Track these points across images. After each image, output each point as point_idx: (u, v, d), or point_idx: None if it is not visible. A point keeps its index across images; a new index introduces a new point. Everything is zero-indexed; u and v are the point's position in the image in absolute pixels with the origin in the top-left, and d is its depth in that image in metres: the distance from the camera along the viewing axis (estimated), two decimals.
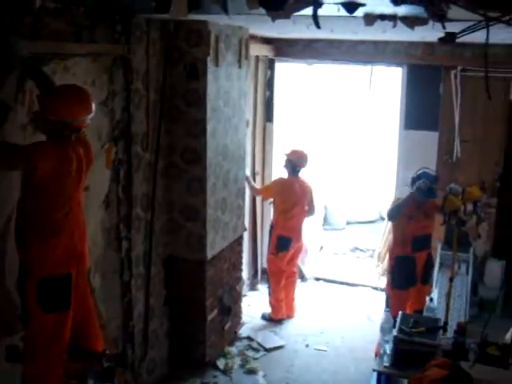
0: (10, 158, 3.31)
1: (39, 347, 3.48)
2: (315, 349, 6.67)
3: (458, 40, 3.69)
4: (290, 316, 7.40)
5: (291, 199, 7.10)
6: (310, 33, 6.20)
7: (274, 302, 7.34)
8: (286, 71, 8.44)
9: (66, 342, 3.56)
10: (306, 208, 7.28)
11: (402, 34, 5.77)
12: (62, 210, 3.43)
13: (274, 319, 7.29)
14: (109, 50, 4.55)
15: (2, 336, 3.67)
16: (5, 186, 3.52)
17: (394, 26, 3.96)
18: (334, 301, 7.92)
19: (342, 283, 8.45)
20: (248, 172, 7.18)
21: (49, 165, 3.28)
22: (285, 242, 7.14)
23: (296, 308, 7.51)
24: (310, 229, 7.58)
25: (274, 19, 3.64)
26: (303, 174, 7.27)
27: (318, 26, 3.56)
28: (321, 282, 8.51)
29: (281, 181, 7.30)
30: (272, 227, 7.32)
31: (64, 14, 3.97)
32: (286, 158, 7.15)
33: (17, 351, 3.58)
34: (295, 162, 7.09)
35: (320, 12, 3.51)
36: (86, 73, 4.30)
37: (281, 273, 7.26)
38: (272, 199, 7.31)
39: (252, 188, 7.24)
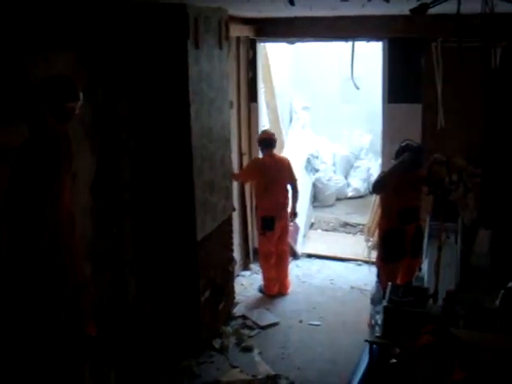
0: None
1: None
2: (309, 324, 6.76)
3: (438, 11, 3.72)
4: (283, 293, 7.48)
5: (267, 178, 7.14)
6: (289, 11, 6.20)
7: (266, 281, 7.45)
8: (270, 51, 8.46)
9: None
10: (288, 184, 7.34)
11: (381, 8, 5.79)
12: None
13: (266, 294, 7.43)
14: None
15: None
16: None
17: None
18: (326, 276, 8.01)
19: (333, 259, 8.52)
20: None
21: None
22: (268, 222, 7.20)
23: (289, 285, 7.59)
24: (299, 206, 7.57)
25: None
26: (279, 152, 7.47)
27: (291, 3, 3.59)
28: (313, 258, 8.58)
29: (254, 161, 7.52)
30: (256, 209, 7.44)
31: None
32: (260, 139, 7.34)
33: None
34: (265, 140, 7.26)
35: None
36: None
37: (270, 253, 7.35)
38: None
39: (232, 176, 7.16)
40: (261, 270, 7.60)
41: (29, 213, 3.42)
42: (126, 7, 5.02)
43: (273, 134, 7.41)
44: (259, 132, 7.94)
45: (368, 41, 7.89)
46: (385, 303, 4.92)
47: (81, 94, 3.54)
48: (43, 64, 3.98)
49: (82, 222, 4.54)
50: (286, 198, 7.37)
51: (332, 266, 8.33)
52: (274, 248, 7.35)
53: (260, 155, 7.60)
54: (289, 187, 7.37)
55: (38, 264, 3.45)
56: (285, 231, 7.41)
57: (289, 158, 7.55)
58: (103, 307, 4.87)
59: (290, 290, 7.57)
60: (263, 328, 6.66)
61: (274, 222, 7.19)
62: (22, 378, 3.52)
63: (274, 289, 7.45)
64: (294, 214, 7.48)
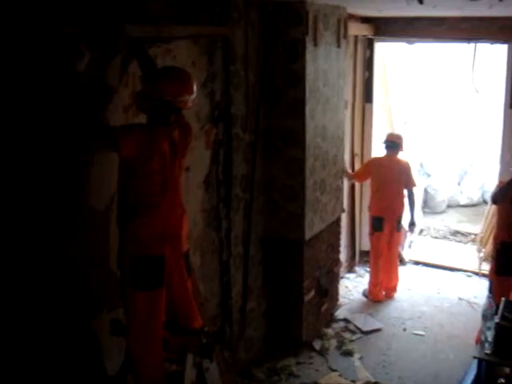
0: (96, 139, 3.41)
1: (134, 323, 3.58)
2: (413, 333, 6.56)
3: None
4: (389, 296, 7.37)
5: (382, 177, 7.11)
6: (410, 10, 6.04)
7: (371, 286, 7.35)
8: (386, 50, 8.28)
9: (159, 319, 3.62)
10: (404, 188, 7.21)
11: (510, 8, 5.52)
12: (154, 191, 3.47)
13: (370, 299, 7.33)
14: (211, 32, 4.60)
15: (105, 310, 3.84)
16: (109, 168, 3.64)
17: None
18: (433, 285, 7.75)
19: (442, 268, 8.24)
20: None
21: (134, 147, 3.32)
22: (377, 222, 7.16)
23: (395, 290, 7.44)
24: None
25: None
26: (401, 155, 7.26)
27: (420, 1, 3.46)
28: (420, 265, 8.34)
29: (372, 160, 7.48)
30: (369, 208, 7.40)
31: None
32: (383, 140, 7.25)
33: (120, 325, 3.71)
34: (387, 142, 7.18)
35: None
36: (186, 55, 4.37)
37: (377, 254, 7.29)
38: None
39: (348, 175, 7.22)
40: (368, 274, 7.52)
41: (137, 195, 3.48)
42: (247, 4, 5.03)
43: (398, 137, 7.26)
44: (372, 133, 7.82)
45: (492, 43, 7.55)
46: (497, 319, 4.67)
47: (195, 88, 3.53)
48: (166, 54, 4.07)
49: (193, 213, 4.62)
50: (399, 201, 7.24)
51: (440, 275, 8.06)
52: (383, 250, 7.25)
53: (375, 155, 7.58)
54: (405, 192, 7.26)
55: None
56: (394, 234, 7.26)
57: (410, 163, 7.39)
58: (207, 299, 4.92)
59: (395, 296, 7.40)
60: (365, 333, 6.52)
61: (382, 223, 7.11)
62: None
63: (379, 295, 7.33)
64: (412, 224, 7.40)
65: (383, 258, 7.29)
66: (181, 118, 3.65)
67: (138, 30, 3.61)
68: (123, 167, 3.45)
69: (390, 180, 7.10)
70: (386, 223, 7.13)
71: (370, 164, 7.43)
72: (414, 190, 7.35)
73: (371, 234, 7.28)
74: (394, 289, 7.45)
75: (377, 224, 7.15)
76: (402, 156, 7.28)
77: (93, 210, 3.69)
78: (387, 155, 7.19)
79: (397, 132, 7.47)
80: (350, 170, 7.45)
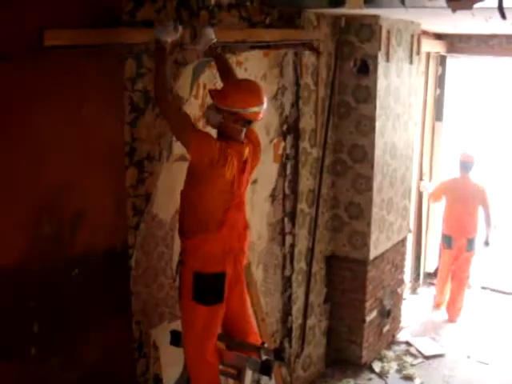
0: (178, 126, 3.28)
1: (191, 335, 3.55)
2: (477, 361, 6.33)
3: None
4: (452, 320, 7.24)
5: (453, 196, 7.16)
6: (487, 27, 5.87)
7: (436, 292, 7.62)
8: (458, 68, 8.09)
9: (215, 334, 3.60)
10: (480, 209, 7.18)
11: None
12: (221, 206, 3.42)
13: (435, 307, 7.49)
14: (296, 36, 4.64)
15: (166, 320, 3.86)
16: (177, 178, 3.63)
17: None
18: (500, 312, 7.46)
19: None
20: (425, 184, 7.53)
21: (205, 158, 3.25)
22: (445, 240, 7.30)
23: (459, 314, 7.29)
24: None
25: (454, 10, 3.45)
26: (477, 176, 7.28)
27: (504, 17, 3.32)
28: (487, 291, 8.06)
29: (447, 180, 7.46)
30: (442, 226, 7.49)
31: (238, 9, 4.04)
32: (458, 160, 7.25)
33: (180, 336, 3.69)
34: (461, 162, 7.16)
35: (506, 2, 3.28)
36: (257, 67, 4.35)
37: (443, 270, 7.41)
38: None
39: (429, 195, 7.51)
40: (432, 296, 7.64)
41: (203, 210, 3.44)
42: (320, 17, 4.99)
43: (470, 157, 7.18)
44: (442, 152, 7.73)
45: None
46: None
47: (264, 99, 3.47)
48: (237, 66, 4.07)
49: (258, 226, 4.58)
50: (471, 222, 7.19)
51: (509, 303, 7.75)
52: (449, 267, 7.35)
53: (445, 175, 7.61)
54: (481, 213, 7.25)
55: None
56: (464, 254, 7.23)
57: (486, 186, 7.32)
58: (268, 314, 4.86)
59: (460, 320, 7.20)
60: (427, 358, 6.34)
61: (450, 241, 7.20)
62: None
63: (440, 299, 7.49)
64: (486, 243, 7.32)
65: (451, 278, 7.38)
66: (252, 133, 3.61)
67: (226, 34, 3.67)
68: (191, 178, 3.43)
69: (461, 200, 7.10)
70: (455, 242, 7.15)
71: (444, 183, 7.42)
72: (492, 211, 7.26)
73: (441, 250, 7.43)
74: (458, 312, 7.28)
75: (445, 241, 7.28)
76: (478, 179, 7.28)
77: (158, 219, 3.69)
78: (462, 176, 7.17)
79: (470, 152, 7.34)
80: (415, 190, 7.35)
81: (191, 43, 3.56)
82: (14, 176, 2.79)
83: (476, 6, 3.31)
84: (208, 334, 3.54)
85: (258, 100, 3.42)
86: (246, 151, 3.49)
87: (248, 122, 3.43)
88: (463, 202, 7.07)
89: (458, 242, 7.14)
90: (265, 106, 3.45)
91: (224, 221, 3.44)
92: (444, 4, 3.34)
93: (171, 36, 3.22)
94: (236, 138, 3.42)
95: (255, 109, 3.40)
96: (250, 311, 3.82)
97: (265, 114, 3.63)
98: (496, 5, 3.27)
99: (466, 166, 7.09)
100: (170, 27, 3.21)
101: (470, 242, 7.18)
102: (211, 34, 3.53)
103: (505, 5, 3.28)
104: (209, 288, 3.47)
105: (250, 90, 3.46)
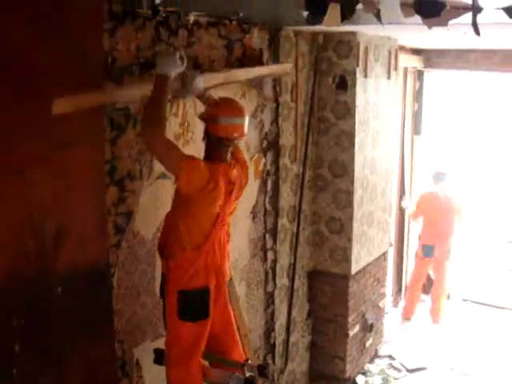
0: (167, 157, 3.23)
1: (175, 353, 3.53)
2: (461, 373, 6.35)
3: None
4: (434, 321, 7.51)
5: (432, 207, 7.29)
6: (463, 42, 5.95)
7: (406, 302, 7.72)
8: (435, 82, 8.18)
9: (201, 350, 3.58)
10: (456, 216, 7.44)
11: None
12: (206, 227, 3.44)
13: (404, 318, 7.62)
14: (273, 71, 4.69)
15: (148, 339, 3.84)
16: (160, 196, 3.63)
17: None
18: (481, 324, 7.51)
19: (494, 306, 7.97)
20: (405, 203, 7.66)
21: (196, 185, 3.25)
22: (426, 250, 7.41)
23: (442, 316, 7.56)
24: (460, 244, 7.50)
25: (430, 27, 3.50)
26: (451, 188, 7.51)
27: (477, 33, 3.38)
28: (468, 302, 8.10)
29: (422, 194, 7.56)
30: (419, 237, 7.57)
31: (217, 27, 4.07)
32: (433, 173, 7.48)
33: (162, 355, 3.68)
34: (435, 173, 7.42)
35: (479, 19, 3.33)
36: (236, 85, 4.37)
37: (418, 280, 7.60)
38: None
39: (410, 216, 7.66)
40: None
41: (187, 230, 3.43)
42: (298, 35, 5.04)
43: (443, 169, 7.49)
44: (421, 165, 7.86)
45: None
46: None
47: (246, 114, 3.49)
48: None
49: (240, 243, 4.59)
50: (451, 229, 7.45)
51: (491, 315, 7.76)
52: (423, 279, 7.63)
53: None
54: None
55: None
56: (443, 264, 7.54)
57: (460, 198, 7.60)
58: (250, 330, 4.85)
59: (442, 332, 7.25)
60: (411, 371, 6.36)
61: (433, 250, 7.37)
62: None
63: (411, 312, 7.63)
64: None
65: (433, 289, 7.62)
66: (238, 154, 3.65)
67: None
68: (179, 204, 3.42)
69: (440, 209, 7.28)
70: (437, 250, 7.36)
71: (421, 197, 7.49)
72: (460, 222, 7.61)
73: (420, 258, 7.48)
74: (440, 316, 7.55)
75: (427, 251, 7.39)
76: (450, 189, 7.48)
77: (140, 237, 3.69)
78: (436, 186, 7.37)
79: (442, 164, 7.80)
80: (395, 205, 7.44)
81: (180, 91, 3.45)
82: None
83: (451, 22, 3.36)
84: (194, 350, 3.53)
85: (238, 111, 3.46)
86: (234, 172, 3.52)
87: (230, 140, 3.45)
88: (442, 211, 7.26)
89: (439, 250, 7.35)
90: (246, 120, 3.48)
91: (207, 239, 3.45)
92: (420, 21, 3.39)
93: (176, 68, 3.21)
94: (222, 159, 3.45)
95: (236, 120, 3.43)
96: (234, 325, 3.81)
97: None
98: (470, 21, 3.34)
99: (439, 176, 7.34)
100: (174, 58, 3.19)
101: (450, 250, 7.51)
102: (200, 83, 3.48)
103: (479, 21, 3.34)
104: (194, 304, 3.46)
105: (230, 102, 3.56)
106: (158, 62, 3.21)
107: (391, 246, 6.87)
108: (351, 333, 5.91)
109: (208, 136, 3.45)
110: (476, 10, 3.25)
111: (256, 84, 4.59)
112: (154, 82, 3.19)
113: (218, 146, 3.43)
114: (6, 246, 2.84)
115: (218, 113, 3.39)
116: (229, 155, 3.49)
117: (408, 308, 7.64)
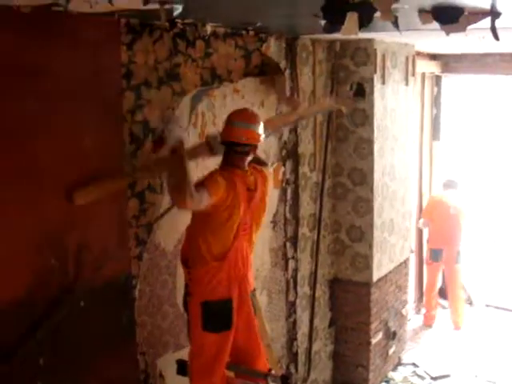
0: (199, 201, 3.22)
1: (199, 365, 3.54)
2: (485, 380, 6.29)
3: None
4: (455, 328, 7.50)
5: (441, 211, 7.31)
6: (480, 46, 5.92)
7: (426, 309, 7.69)
8: (454, 87, 8.14)
9: (224, 360, 3.58)
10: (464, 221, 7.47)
11: None
12: (229, 238, 3.45)
13: (425, 325, 7.60)
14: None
15: (170, 351, 3.84)
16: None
17: None
18: (505, 330, 7.42)
19: None
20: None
21: (220, 195, 3.29)
22: (434, 254, 7.44)
23: (462, 322, 7.52)
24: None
25: (448, 33, 3.48)
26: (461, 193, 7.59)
27: (497, 38, 3.35)
28: (491, 308, 8.03)
29: (430, 198, 7.68)
30: (427, 242, 7.63)
31: (233, 38, 4.09)
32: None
33: (185, 366, 3.67)
34: (445, 182, 7.57)
35: (498, 23, 3.31)
36: (254, 95, 4.38)
37: (432, 284, 7.59)
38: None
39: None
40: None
41: (209, 242, 3.44)
42: (315, 43, 5.04)
43: (453, 177, 7.58)
44: (440, 171, 7.84)
45: None
46: None
47: (259, 121, 3.50)
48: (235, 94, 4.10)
49: (261, 252, 4.58)
50: (459, 233, 7.44)
51: None
52: (436, 283, 7.60)
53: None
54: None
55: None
56: (453, 268, 7.52)
57: (469, 203, 7.66)
58: (273, 340, 4.84)
59: (466, 339, 7.18)
60: (435, 379, 6.31)
61: (440, 254, 7.38)
62: None
63: (431, 320, 7.61)
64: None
65: (448, 295, 7.64)
66: (257, 164, 3.67)
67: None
68: (199, 218, 3.42)
69: (448, 213, 7.30)
70: (445, 254, 7.37)
71: (429, 202, 7.61)
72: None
73: (429, 264, 7.54)
74: (460, 322, 7.51)
75: (435, 255, 7.41)
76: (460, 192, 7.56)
77: (161, 248, 3.69)
78: (445, 191, 7.48)
79: (452, 174, 7.87)
80: (415, 210, 7.43)
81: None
82: (18, 209, 2.79)
83: (469, 27, 3.34)
84: (218, 361, 3.53)
85: (250, 117, 3.49)
86: (252, 179, 3.54)
87: (247, 147, 3.46)
88: (449, 215, 7.30)
89: (447, 254, 7.36)
90: (259, 128, 3.48)
91: (230, 250, 3.46)
92: (438, 27, 3.37)
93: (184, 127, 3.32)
94: (238, 166, 3.47)
95: (248, 126, 3.44)
96: (258, 334, 3.80)
97: (264, 141, 3.66)
98: (489, 25, 3.31)
99: (448, 184, 7.46)
100: (182, 119, 3.30)
101: (459, 254, 7.48)
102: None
103: (497, 25, 3.32)
104: (217, 315, 3.47)
105: (245, 109, 3.66)
106: (171, 136, 3.35)
107: (412, 252, 6.87)
108: (374, 341, 5.87)
109: (225, 144, 3.47)
110: (495, 15, 3.24)
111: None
112: (170, 158, 3.31)
113: (232, 152, 3.45)
114: (29, 264, 2.88)
115: (231, 117, 3.46)
116: (246, 164, 3.51)
117: (428, 315, 7.63)
